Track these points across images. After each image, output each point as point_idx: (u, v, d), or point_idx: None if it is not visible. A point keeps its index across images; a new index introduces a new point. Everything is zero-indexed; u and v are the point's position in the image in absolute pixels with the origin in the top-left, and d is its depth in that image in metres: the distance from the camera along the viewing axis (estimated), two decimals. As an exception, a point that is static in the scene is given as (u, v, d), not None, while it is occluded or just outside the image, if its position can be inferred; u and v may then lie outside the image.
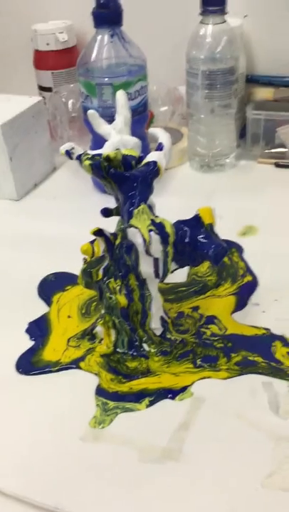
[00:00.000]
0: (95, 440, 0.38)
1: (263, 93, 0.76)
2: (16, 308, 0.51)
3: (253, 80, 0.78)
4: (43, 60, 0.83)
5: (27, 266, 0.57)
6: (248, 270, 0.54)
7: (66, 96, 0.73)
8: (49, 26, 0.81)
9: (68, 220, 0.65)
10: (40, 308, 0.51)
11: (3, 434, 0.39)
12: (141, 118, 0.66)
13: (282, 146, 0.72)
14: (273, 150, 0.73)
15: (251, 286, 0.51)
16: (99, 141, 0.69)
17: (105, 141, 0.46)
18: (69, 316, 0.50)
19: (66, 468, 0.36)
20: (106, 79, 0.62)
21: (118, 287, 0.42)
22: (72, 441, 0.38)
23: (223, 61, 0.66)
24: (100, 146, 0.72)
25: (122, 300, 0.42)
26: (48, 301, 0.52)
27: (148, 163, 0.40)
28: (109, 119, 0.65)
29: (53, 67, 0.82)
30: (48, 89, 0.83)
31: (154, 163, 0.40)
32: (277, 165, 0.73)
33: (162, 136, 0.41)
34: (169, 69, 0.79)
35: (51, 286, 0.54)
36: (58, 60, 0.81)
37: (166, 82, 0.79)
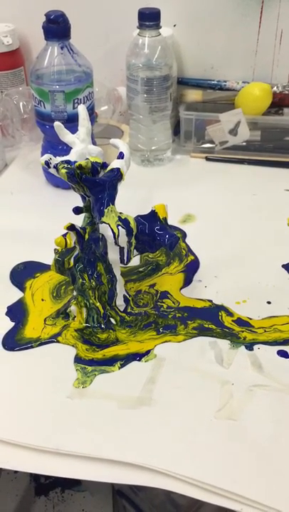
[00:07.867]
0: (81, 397, 0.47)
1: (193, 95, 0.86)
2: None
3: (184, 83, 0.88)
4: (-12, 61, 0.87)
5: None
6: (190, 251, 0.64)
7: (17, 99, 0.78)
8: (-8, 30, 0.85)
9: (28, 213, 0.71)
10: (15, 295, 0.59)
11: (2, 397, 0.47)
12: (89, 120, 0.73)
13: (211, 142, 0.83)
14: (204, 145, 0.84)
15: (195, 265, 0.62)
16: (50, 141, 0.77)
17: (56, 141, 0.56)
18: (42, 299, 0.58)
19: (60, 419, 0.45)
20: (57, 86, 0.69)
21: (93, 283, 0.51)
22: (62, 399, 0.47)
23: (159, 69, 0.75)
24: (52, 146, 0.79)
25: (99, 306, 0.52)
26: (21, 288, 0.59)
27: (112, 170, 0.48)
28: (62, 121, 0.73)
29: (-1, 68, 0.87)
30: (-5, 89, 0.88)
31: (118, 169, 0.48)
32: (208, 159, 0.83)
33: (122, 146, 0.50)
34: (108, 72, 0.87)
35: (22, 274, 0.61)
36: (2, 62, 0.86)
37: (105, 83, 0.86)
